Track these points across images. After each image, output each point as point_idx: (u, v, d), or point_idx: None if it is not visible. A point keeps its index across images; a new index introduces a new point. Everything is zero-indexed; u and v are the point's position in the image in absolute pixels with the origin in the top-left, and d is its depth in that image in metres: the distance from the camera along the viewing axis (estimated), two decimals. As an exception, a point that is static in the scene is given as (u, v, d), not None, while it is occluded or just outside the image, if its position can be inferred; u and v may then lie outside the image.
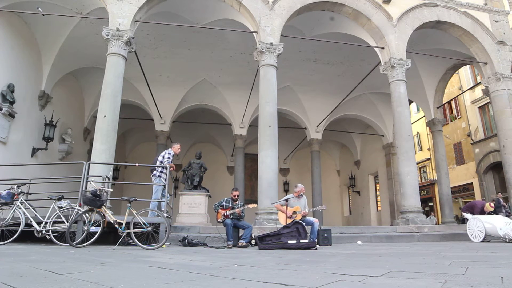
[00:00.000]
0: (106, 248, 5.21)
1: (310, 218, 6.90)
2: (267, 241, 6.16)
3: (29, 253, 4.15)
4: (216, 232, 7.18)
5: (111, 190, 6.49)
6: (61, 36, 10.33)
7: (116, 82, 8.13)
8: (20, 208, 5.65)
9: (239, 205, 6.94)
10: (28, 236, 5.87)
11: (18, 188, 5.92)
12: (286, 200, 6.89)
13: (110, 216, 5.53)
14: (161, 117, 14.51)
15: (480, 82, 13.76)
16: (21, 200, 5.82)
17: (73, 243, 5.29)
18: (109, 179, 7.25)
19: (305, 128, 16.24)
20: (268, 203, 7.80)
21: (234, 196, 7.07)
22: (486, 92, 11.18)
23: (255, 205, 7.31)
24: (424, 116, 15.25)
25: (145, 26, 9.69)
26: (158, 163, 7.66)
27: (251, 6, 9.08)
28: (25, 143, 10.05)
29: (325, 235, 6.89)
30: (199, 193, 10.50)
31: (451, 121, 19.47)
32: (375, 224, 17.42)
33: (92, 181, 6.36)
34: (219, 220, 6.89)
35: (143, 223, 5.39)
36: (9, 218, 5.66)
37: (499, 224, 7.27)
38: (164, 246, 5.49)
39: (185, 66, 12.87)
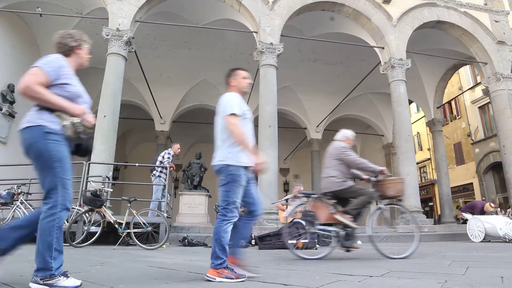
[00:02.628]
0: (106, 248, 5.21)
1: (310, 218, 6.90)
2: (267, 241, 6.15)
3: (29, 253, 4.15)
4: (216, 232, 7.18)
5: (111, 190, 6.50)
6: (61, 36, 10.33)
7: (116, 82, 8.13)
8: (20, 208, 5.65)
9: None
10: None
11: (18, 188, 5.92)
12: (287, 200, 6.90)
13: (110, 216, 5.53)
14: (161, 117, 14.51)
15: (480, 82, 13.75)
16: (21, 200, 5.81)
17: (73, 243, 5.29)
18: (109, 179, 7.25)
19: (305, 128, 16.23)
20: (268, 203, 7.79)
21: None
22: (486, 92, 11.18)
23: None
24: (424, 116, 15.25)
25: (145, 26, 9.69)
26: (158, 163, 7.66)
27: (251, 6, 9.08)
28: (25, 143, 10.04)
29: (325, 235, 6.88)
30: (199, 193, 10.50)
31: (451, 121, 19.48)
32: (375, 224, 17.39)
33: (92, 181, 6.36)
34: (219, 220, 6.89)
35: (143, 223, 5.40)
36: (9, 218, 5.66)
37: (499, 224, 7.27)
38: (164, 246, 5.49)
39: (185, 66, 12.87)
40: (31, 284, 1.85)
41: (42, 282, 1.83)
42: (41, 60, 2.06)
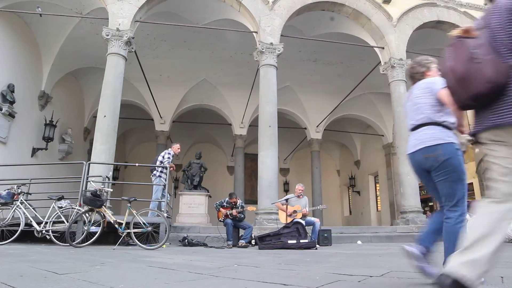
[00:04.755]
0: (106, 248, 5.21)
1: (311, 218, 6.91)
2: (267, 241, 6.16)
3: (29, 253, 4.15)
4: (216, 232, 7.19)
5: (111, 190, 6.50)
6: (61, 36, 10.33)
7: (116, 82, 8.13)
8: (20, 208, 5.65)
9: (239, 207, 6.92)
10: (28, 236, 5.87)
11: (18, 188, 5.92)
12: (287, 200, 6.90)
13: (110, 216, 5.54)
14: (161, 117, 14.51)
15: (480, 82, 13.73)
16: (21, 200, 5.82)
17: (73, 243, 5.29)
18: (109, 179, 7.26)
19: (305, 128, 16.24)
20: (268, 203, 7.80)
21: (233, 202, 7.02)
22: (486, 92, 11.17)
23: (254, 208, 7.31)
24: (424, 116, 15.21)
25: (145, 26, 9.69)
26: (158, 163, 7.66)
27: (251, 6, 9.08)
28: (25, 143, 10.05)
29: (325, 235, 6.89)
30: (199, 193, 10.50)
31: (451, 121, 19.45)
32: (375, 224, 17.42)
33: (92, 181, 6.36)
34: (220, 219, 6.91)
35: (143, 223, 5.40)
36: (9, 218, 5.66)
37: (499, 224, 7.26)
38: (164, 246, 5.50)
39: (185, 66, 12.87)
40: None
41: None
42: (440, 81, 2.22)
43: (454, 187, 2.12)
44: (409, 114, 2.40)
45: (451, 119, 2.19)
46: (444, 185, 2.16)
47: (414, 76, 2.45)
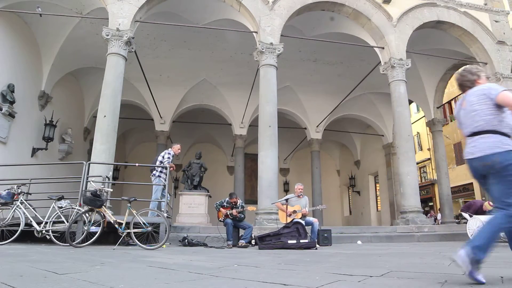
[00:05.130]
0: (106, 248, 5.21)
1: (309, 218, 6.90)
2: (267, 241, 6.16)
3: (29, 253, 4.16)
4: (216, 232, 7.19)
5: (111, 190, 6.49)
6: (61, 36, 10.33)
7: (116, 82, 8.13)
8: (20, 208, 5.65)
9: (239, 207, 6.91)
10: (28, 236, 5.87)
11: (18, 188, 5.92)
12: (287, 200, 6.89)
13: (110, 216, 5.54)
14: (161, 117, 14.51)
15: (480, 82, 13.70)
16: (21, 200, 5.82)
17: (73, 243, 5.29)
18: (109, 179, 7.25)
19: (305, 128, 16.24)
20: (268, 203, 7.80)
21: (233, 202, 7.01)
22: (486, 92, 11.15)
23: (254, 208, 7.30)
24: (424, 116, 15.24)
25: (145, 26, 9.69)
26: (158, 163, 7.66)
27: (251, 6, 9.08)
28: (25, 143, 10.05)
29: (325, 235, 6.89)
30: (199, 193, 10.51)
31: (451, 121, 19.47)
32: (375, 224, 17.42)
33: (92, 181, 6.36)
34: (220, 219, 6.90)
35: (143, 223, 5.40)
36: (9, 218, 5.66)
37: (499, 224, 7.24)
38: (164, 246, 5.50)
39: (185, 66, 12.87)
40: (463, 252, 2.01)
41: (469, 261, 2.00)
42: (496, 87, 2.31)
43: (504, 192, 2.17)
44: (463, 122, 2.43)
45: (509, 126, 2.22)
46: (495, 187, 2.21)
47: (465, 84, 2.48)
